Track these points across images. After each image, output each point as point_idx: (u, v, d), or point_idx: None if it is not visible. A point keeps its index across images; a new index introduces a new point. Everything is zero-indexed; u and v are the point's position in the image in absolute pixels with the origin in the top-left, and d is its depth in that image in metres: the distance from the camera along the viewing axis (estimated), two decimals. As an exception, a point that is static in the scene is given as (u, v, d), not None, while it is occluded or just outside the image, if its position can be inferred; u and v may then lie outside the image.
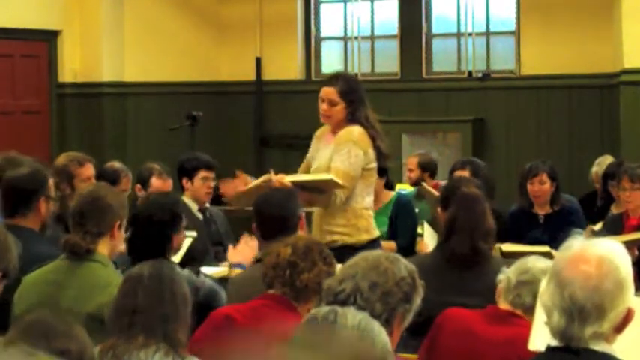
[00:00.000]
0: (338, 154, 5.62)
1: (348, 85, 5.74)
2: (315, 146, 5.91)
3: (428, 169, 8.32)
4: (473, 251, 4.81)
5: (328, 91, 5.70)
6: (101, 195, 4.31)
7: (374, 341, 2.42)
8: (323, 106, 5.70)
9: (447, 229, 4.94)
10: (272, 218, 4.72)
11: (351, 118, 5.70)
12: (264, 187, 5.50)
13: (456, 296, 4.56)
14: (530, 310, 3.89)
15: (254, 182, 5.66)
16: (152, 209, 4.69)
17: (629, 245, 5.52)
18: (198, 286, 4.65)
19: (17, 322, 3.97)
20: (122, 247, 4.53)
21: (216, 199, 7.09)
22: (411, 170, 8.23)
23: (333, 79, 5.82)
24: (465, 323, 4.08)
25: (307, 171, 5.86)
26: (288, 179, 5.46)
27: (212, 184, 6.62)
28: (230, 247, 5.60)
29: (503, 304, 3.99)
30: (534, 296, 3.81)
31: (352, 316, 2.46)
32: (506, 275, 3.99)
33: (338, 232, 5.67)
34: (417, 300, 3.24)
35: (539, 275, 3.84)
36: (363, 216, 5.73)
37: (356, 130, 5.66)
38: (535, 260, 3.98)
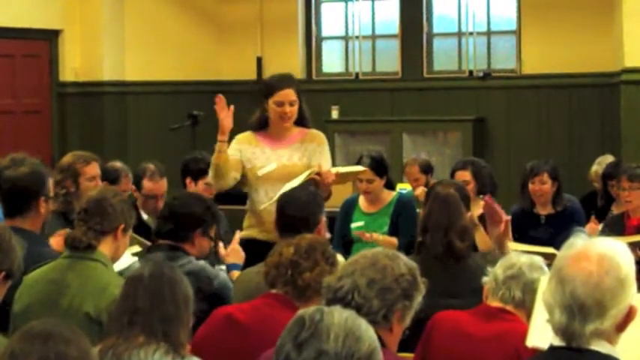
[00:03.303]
0: (325, 155, 5.84)
1: (299, 85, 5.90)
2: (246, 148, 5.89)
3: (428, 170, 8.33)
4: (448, 249, 4.82)
5: (289, 93, 5.79)
6: (108, 197, 4.35)
7: (360, 338, 2.43)
8: (285, 109, 5.77)
9: (420, 227, 4.98)
10: (293, 217, 4.79)
11: (299, 116, 5.83)
12: (311, 181, 5.58)
13: (439, 297, 4.55)
14: (521, 304, 3.98)
15: (297, 180, 5.62)
16: (190, 199, 4.87)
17: (630, 247, 5.52)
18: (212, 277, 4.69)
19: (17, 323, 4.00)
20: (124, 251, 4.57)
21: (218, 198, 7.07)
22: (416, 180, 8.18)
23: (289, 80, 5.93)
24: (457, 325, 4.10)
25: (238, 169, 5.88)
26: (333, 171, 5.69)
27: (215, 189, 6.59)
28: (221, 247, 5.58)
29: (494, 302, 4.04)
30: (523, 290, 3.96)
31: (338, 314, 2.48)
32: (493, 274, 4.06)
33: None
34: (418, 297, 3.26)
35: (525, 269, 3.98)
36: None
37: None
38: (518, 256, 4.08)
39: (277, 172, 5.76)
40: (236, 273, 5.32)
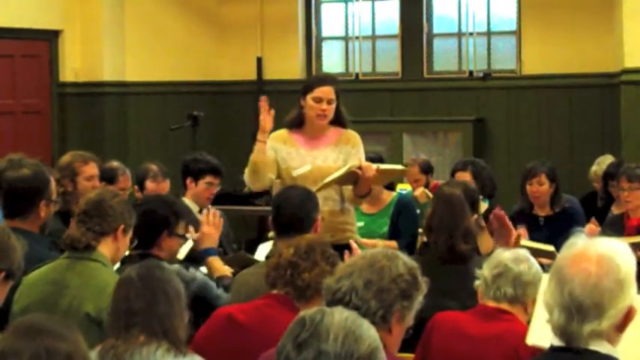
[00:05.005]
0: (360, 156, 5.81)
1: (339, 86, 5.89)
2: (281, 147, 5.84)
3: (428, 170, 8.35)
4: (451, 251, 4.83)
5: (328, 91, 5.78)
6: (107, 198, 4.35)
7: (360, 338, 2.43)
8: (323, 106, 5.76)
9: (425, 227, 5.00)
10: (288, 216, 4.80)
11: (336, 117, 5.82)
12: (351, 175, 5.63)
13: (439, 298, 4.56)
14: (514, 299, 4.04)
15: (338, 172, 5.65)
16: (152, 203, 4.84)
17: (631, 248, 5.52)
18: (188, 280, 4.68)
19: (12, 320, 4.00)
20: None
21: (218, 198, 7.07)
22: (416, 180, 8.19)
23: (330, 79, 5.98)
24: (457, 325, 4.12)
25: (274, 170, 5.83)
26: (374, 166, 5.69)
27: (216, 189, 6.58)
28: (192, 231, 5.40)
29: (489, 302, 4.07)
30: (513, 285, 4.02)
31: (339, 314, 2.48)
32: (482, 275, 4.11)
33: (349, 229, 5.84)
34: (418, 297, 3.26)
35: (510, 264, 4.05)
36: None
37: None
38: (501, 252, 4.15)
39: (312, 174, 5.74)
40: (212, 259, 5.26)
